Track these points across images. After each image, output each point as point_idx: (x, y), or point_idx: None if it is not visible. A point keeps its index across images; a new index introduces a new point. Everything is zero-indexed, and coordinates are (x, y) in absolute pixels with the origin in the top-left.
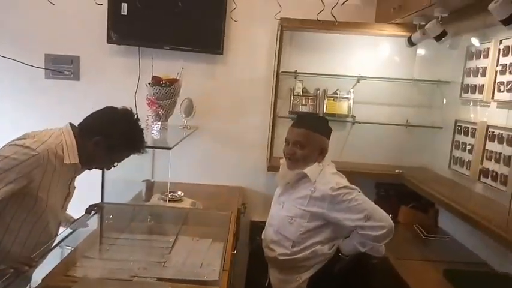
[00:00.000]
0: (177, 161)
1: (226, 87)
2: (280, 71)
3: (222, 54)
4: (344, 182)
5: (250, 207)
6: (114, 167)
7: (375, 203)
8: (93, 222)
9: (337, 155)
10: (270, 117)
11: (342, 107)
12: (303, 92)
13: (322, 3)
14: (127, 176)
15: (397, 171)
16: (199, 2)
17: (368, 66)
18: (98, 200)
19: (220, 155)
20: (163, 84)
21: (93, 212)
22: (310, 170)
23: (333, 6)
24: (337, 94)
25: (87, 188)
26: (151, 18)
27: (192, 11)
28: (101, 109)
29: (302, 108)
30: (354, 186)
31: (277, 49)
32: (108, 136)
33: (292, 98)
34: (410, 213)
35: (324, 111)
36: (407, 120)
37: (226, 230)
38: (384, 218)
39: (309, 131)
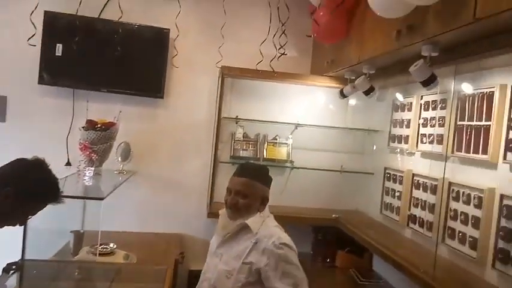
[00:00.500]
0: (111, 207)
1: (167, 131)
2: (222, 116)
3: (162, 98)
4: (286, 238)
5: (189, 255)
6: (28, 219)
7: (313, 247)
8: (12, 282)
9: (276, 200)
10: (211, 162)
11: (281, 152)
12: (243, 137)
13: (261, 55)
14: (53, 226)
15: (333, 215)
16: (140, 47)
17: (305, 114)
18: (18, 256)
19: (158, 201)
20: (98, 129)
21: (11, 272)
22: (252, 221)
23: (272, 59)
24: (276, 140)
25: (6, 242)
26: (88, 60)
27: (132, 54)
28: (10, 161)
29: (243, 153)
30: (293, 245)
31: (219, 95)
32: (20, 187)
33: (233, 142)
34: (346, 257)
35: (264, 156)
36: (341, 166)
37: (161, 286)
38: None
39: (251, 180)
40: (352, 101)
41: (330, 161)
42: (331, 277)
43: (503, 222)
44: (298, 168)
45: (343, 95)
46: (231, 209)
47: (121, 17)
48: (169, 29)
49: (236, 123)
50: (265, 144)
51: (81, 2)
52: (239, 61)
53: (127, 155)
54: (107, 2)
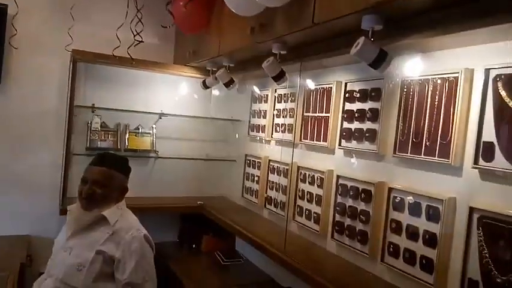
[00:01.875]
0: None
1: (6, 122)
2: (75, 104)
3: None
4: (145, 232)
5: (39, 257)
6: None
7: (180, 235)
8: None
9: (141, 191)
10: (63, 155)
11: (145, 142)
12: (101, 126)
13: (119, 40)
14: None
15: (198, 202)
16: None
17: (169, 103)
18: None
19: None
20: None
21: None
22: (109, 212)
23: (129, 46)
24: (139, 129)
25: None
26: None
27: None
28: None
29: (101, 144)
30: (151, 241)
31: (70, 81)
32: None
33: (89, 133)
34: (211, 241)
35: (126, 146)
36: (206, 154)
37: None
38: None
39: (110, 169)
40: (216, 92)
41: (195, 149)
42: (196, 261)
43: (339, 199)
44: (162, 157)
45: (205, 85)
46: (86, 200)
47: None
48: (6, 5)
49: (92, 112)
50: (127, 135)
51: None
52: (93, 45)
53: None
54: None
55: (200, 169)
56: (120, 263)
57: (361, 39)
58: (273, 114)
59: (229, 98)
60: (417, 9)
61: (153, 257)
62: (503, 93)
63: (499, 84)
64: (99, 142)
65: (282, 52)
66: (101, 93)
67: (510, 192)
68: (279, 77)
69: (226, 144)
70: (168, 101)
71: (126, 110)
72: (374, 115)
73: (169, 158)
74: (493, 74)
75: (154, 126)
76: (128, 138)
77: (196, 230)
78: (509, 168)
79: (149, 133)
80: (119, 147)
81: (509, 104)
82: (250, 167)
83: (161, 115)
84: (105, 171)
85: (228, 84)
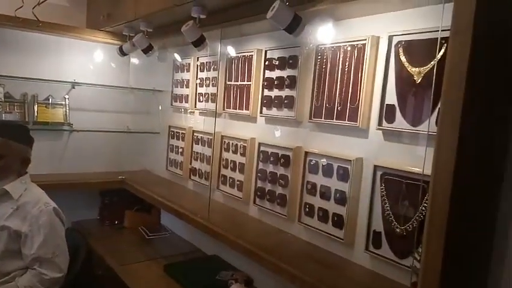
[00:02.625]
0: None
1: None
2: None
3: None
4: (54, 204)
5: None
6: None
7: (100, 212)
8: None
9: (55, 167)
10: None
11: (57, 115)
12: (5, 97)
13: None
14: None
15: (119, 177)
16: None
17: (84, 72)
18: None
19: None
20: None
21: None
22: (12, 186)
23: (35, 6)
24: (49, 100)
25: None
26: None
27: None
28: None
29: (6, 116)
30: (61, 213)
31: None
32: None
33: None
34: (135, 216)
35: (35, 118)
36: (127, 127)
37: None
38: (66, 263)
39: (7, 139)
40: (135, 60)
41: (114, 122)
42: (119, 238)
43: (261, 165)
44: (78, 130)
45: (122, 52)
46: None
47: None
48: None
49: None
50: (35, 106)
51: None
52: None
53: None
54: None
55: (121, 142)
56: (27, 238)
57: (277, 3)
58: (196, 84)
59: (150, 67)
60: None
61: (70, 233)
62: (403, 58)
63: (400, 50)
64: (3, 114)
65: (201, 16)
66: (3, 60)
67: (407, 150)
68: (199, 43)
69: (148, 115)
70: (81, 69)
71: (33, 79)
72: (292, 82)
73: (86, 130)
74: (395, 40)
75: (67, 96)
76: (37, 110)
77: (118, 206)
78: (407, 128)
79: (61, 104)
80: (27, 119)
81: (408, 69)
82: (174, 138)
83: (74, 84)
84: (2, 141)
85: (147, 50)
